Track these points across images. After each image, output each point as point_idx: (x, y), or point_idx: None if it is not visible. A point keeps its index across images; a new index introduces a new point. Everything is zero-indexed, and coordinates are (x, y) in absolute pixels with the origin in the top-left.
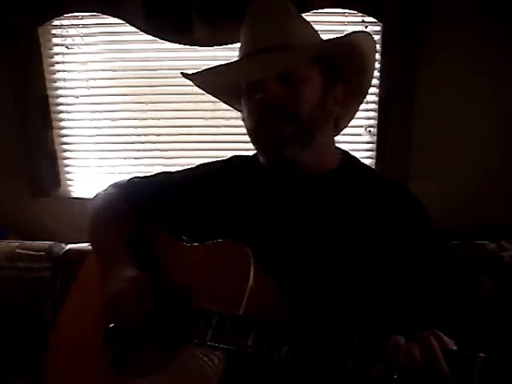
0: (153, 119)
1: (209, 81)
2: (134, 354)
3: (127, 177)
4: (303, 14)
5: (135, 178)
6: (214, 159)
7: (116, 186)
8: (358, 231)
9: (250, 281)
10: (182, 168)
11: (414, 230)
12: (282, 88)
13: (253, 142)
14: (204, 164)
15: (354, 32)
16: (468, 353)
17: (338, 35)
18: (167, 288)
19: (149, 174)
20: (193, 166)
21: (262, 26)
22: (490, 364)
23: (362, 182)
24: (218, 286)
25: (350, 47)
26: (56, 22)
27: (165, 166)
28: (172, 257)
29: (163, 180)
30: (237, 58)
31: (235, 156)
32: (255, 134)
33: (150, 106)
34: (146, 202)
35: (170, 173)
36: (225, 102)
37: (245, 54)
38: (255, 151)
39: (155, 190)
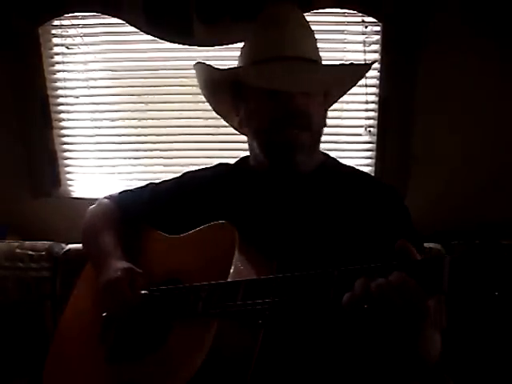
0: (153, 119)
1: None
2: (128, 341)
3: (127, 177)
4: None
5: (126, 190)
6: (213, 159)
7: (108, 197)
8: (341, 221)
9: (235, 255)
10: (173, 173)
11: (386, 216)
12: (304, 98)
13: (259, 141)
14: (191, 171)
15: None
16: (435, 257)
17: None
18: (158, 277)
19: (138, 186)
20: (179, 175)
21: (284, 35)
22: (457, 262)
23: (342, 177)
24: (204, 266)
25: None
26: (56, 22)
27: (165, 165)
28: (162, 250)
29: (152, 189)
30: (241, 57)
31: (220, 163)
32: (266, 134)
33: (150, 106)
34: (137, 210)
35: (159, 183)
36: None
37: (266, 58)
38: (238, 158)
39: (146, 199)
